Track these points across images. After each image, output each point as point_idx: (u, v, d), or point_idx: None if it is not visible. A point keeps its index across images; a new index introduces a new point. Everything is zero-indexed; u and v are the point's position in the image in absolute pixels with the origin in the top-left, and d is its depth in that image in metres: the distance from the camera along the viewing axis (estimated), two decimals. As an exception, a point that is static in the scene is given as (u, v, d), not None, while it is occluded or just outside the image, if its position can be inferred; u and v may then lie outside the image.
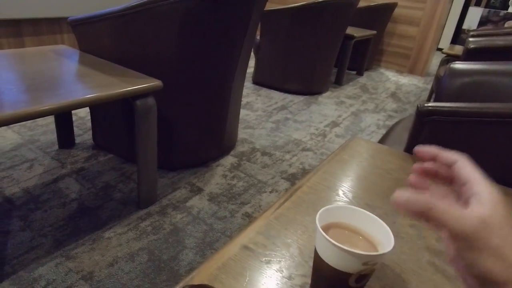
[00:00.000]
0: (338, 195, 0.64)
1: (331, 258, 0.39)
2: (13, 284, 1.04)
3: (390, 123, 2.64)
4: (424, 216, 0.29)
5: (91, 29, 1.48)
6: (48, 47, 1.55)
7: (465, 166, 0.35)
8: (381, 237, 0.42)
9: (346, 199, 0.63)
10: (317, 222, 0.41)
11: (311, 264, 0.48)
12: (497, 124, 0.75)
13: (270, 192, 1.59)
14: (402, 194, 0.31)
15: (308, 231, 0.54)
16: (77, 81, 1.16)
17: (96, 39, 1.49)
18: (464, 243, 0.27)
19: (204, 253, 1.22)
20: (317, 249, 0.41)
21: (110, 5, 3.23)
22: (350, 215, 0.44)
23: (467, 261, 0.27)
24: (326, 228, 0.43)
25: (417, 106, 0.82)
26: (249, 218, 1.41)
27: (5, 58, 1.32)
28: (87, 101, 1.05)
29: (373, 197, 0.65)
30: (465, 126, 0.78)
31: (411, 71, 4.29)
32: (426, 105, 0.80)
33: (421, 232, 0.58)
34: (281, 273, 0.46)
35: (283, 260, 0.48)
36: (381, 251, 0.39)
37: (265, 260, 0.48)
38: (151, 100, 1.23)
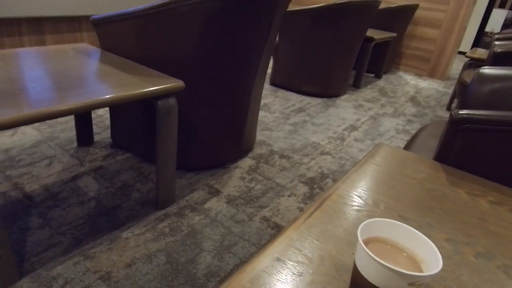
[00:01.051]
0: (368, 204, 0.62)
1: (373, 275, 0.37)
2: (32, 282, 1.04)
3: (409, 128, 2.58)
4: None
5: (113, 28, 1.48)
6: (70, 45, 1.55)
7: None
8: (425, 255, 0.39)
9: (377, 209, 0.61)
10: (358, 235, 0.39)
11: (346, 279, 0.46)
12: (537, 134, 0.71)
13: (289, 196, 1.57)
14: None
15: (340, 242, 0.52)
16: (99, 80, 1.16)
17: (118, 38, 1.49)
18: None
19: (222, 256, 1.20)
20: (358, 265, 0.39)
21: (129, 3, 3.25)
22: (392, 229, 0.42)
23: None
24: (366, 242, 0.41)
25: (451, 113, 0.78)
26: (267, 222, 1.39)
27: (29, 56, 1.33)
28: (109, 101, 1.05)
29: (405, 208, 0.62)
30: (502, 135, 0.74)
31: (431, 74, 4.20)
32: (460, 112, 0.77)
33: (458, 247, 0.55)
34: (314, 287, 0.44)
35: (316, 273, 0.46)
36: (429, 272, 0.36)
37: (297, 272, 0.46)
38: (172, 101, 1.22)
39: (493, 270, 0.51)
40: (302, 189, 1.63)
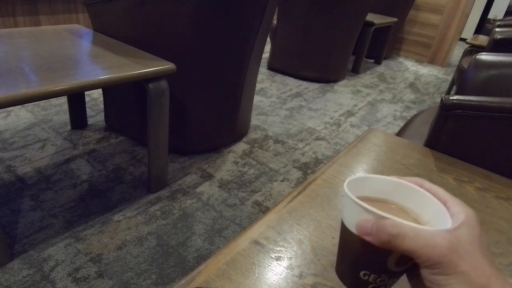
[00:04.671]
0: (354, 189, 0.61)
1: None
2: (23, 263, 1.05)
3: (407, 114, 2.57)
4: (391, 244, 0.28)
5: (105, 9, 1.45)
6: (62, 26, 1.53)
7: (435, 188, 0.33)
8: (432, 216, 0.32)
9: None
10: (345, 187, 0.32)
11: (324, 262, 0.46)
12: (528, 120, 0.70)
13: (282, 181, 1.57)
14: (367, 223, 0.29)
15: (321, 226, 0.51)
16: (90, 62, 1.14)
17: (110, 19, 1.46)
18: (432, 268, 0.27)
19: (212, 240, 1.21)
20: (346, 221, 0.32)
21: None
22: (389, 188, 0.34)
23: (434, 286, 0.27)
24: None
25: (442, 99, 0.77)
26: (259, 207, 1.39)
27: (20, 36, 1.31)
28: (99, 83, 1.03)
29: (391, 193, 0.62)
30: (492, 121, 0.73)
31: (432, 61, 4.16)
32: (451, 97, 0.76)
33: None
34: (291, 270, 0.44)
35: (294, 257, 0.46)
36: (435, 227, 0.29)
37: (275, 256, 0.45)
38: (164, 84, 1.21)
39: (474, 256, 0.50)
40: (296, 174, 1.63)
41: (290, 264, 0.44)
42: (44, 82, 0.95)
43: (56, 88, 0.94)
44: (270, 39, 3.02)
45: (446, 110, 0.77)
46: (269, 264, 0.44)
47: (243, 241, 0.47)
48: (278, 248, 0.47)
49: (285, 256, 0.46)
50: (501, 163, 0.78)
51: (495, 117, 0.73)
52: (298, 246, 0.47)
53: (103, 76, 1.04)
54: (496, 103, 0.72)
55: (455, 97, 0.76)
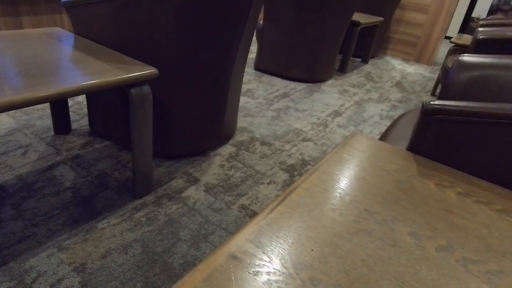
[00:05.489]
0: (334, 198, 0.61)
1: None
2: (3, 276, 1.02)
3: (393, 113, 2.59)
4: None
5: (86, 12, 1.42)
6: (42, 29, 1.50)
7: None
8: None
9: (342, 203, 0.60)
10: None
11: (303, 277, 0.45)
12: (507, 125, 0.71)
13: (268, 183, 1.56)
14: None
15: (300, 239, 0.51)
16: (71, 67, 1.12)
17: (92, 22, 1.44)
18: None
19: (198, 246, 1.20)
20: None
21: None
22: None
23: None
24: None
25: (423, 104, 0.77)
26: (246, 211, 1.38)
27: (-3, 41, 1.28)
28: (81, 89, 1.01)
29: (372, 202, 0.62)
30: (473, 126, 0.74)
31: (418, 59, 4.20)
32: (432, 103, 0.76)
33: (421, 241, 0.55)
34: (269, 286, 0.43)
35: (272, 272, 0.45)
36: None
37: (253, 271, 0.45)
38: (146, 88, 1.19)
39: (452, 264, 0.51)
40: (282, 176, 1.63)
41: (268, 280, 0.44)
42: (23, 90, 0.93)
43: (37, 96, 0.92)
44: (257, 39, 3.01)
45: (427, 115, 0.77)
46: (247, 279, 0.43)
47: (220, 256, 0.46)
48: (257, 263, 0.46)
49: (263, 271, 0.45)
50: (482, 167, 0.79)
51: (475, 121, 0.74)
52: (277, 260, 0.47)
53: (85, 82, 1.02)
54: (475, 108, 0.72)
55: (436, 102, 0.76)
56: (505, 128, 0.72)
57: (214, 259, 0.46)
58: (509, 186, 0.76)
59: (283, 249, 0.49)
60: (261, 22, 2.92)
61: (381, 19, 3.49)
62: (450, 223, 0.60)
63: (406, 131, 1.18)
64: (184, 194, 1.43)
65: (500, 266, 0.52)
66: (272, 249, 0.48)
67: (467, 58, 1.18)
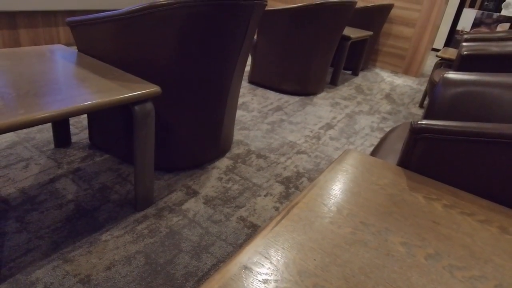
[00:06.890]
0: (332, 211, 0.67)
1: None
2: None
3: (383, 125, 2.67)
4: None
5: (90, 30, 1.48)
6: (45, 46, 1.54)
7: None
8: None
9: (340, 216, 0.66)
10: None
11: (307, 283, 0.51)
12: (491, 144, 0.78)
13: (265, 195, 1.62)
14: None
15: (304, 249, 0.56)
16: (76, 86, 1.17)
17: (95, 40, 1.49)
18: None
19: (199, 256, 1.24)
20: None
21: (105, 1, 3.19)
22: None
23: None
24: None
25: (411, 123, 0.84)
26: (244, 222, 1.43)
27: (2, 58, 1.32)
28: (87, 108, 1.06)
29: (367, 214, 0.68)
30: (457, 143, 0.81)
31: (406, 71, 4.33)
32: (419, 122, 0.83)
33: (412, 250, 0.60)
34: (278, 293, 0.48)
35: (280, 279, 0.50)
36: None
37: (263, 279, 0.50)
38: (149, 105, 1.24)
39: (439, 270, 0.56)
40: (278, 188, 1.68)
41: (277, 287, 0.49)
42: (29, 109, 0.97)
43: (42, 116, 0.96)
44: (251, 53, 3.09)
45: (415, 133, 0.84)
46: (257, 287, 0.49)
47: (233, 266, 0.51)
48: (265, 272, 0.51)
49: (272, 279, 0.50)
50: (466, 180, 0.85)
51: (459, 139, 0.81)
52: (284, 269, 0.52)
53: (91, 101, 1.07)
54: (459, 127, 0.79)
55: (423, 122, 0.83)
56: (486, 145, 0.79)
57: (228, 270, 0.51)
58: (491, 198, 0.83)
59: (289, 259, 0.54)
60: (255, 36, 3.00)
61: (370, 33, 3.61)
62: (438, 233, 0.66)
63: (396, 145, 1.25)
64: (184, 207, 1.47)
65: (482, 272, 0.58)
66: (278, 259, 0.54)
67: (452, 75, 1.26)
